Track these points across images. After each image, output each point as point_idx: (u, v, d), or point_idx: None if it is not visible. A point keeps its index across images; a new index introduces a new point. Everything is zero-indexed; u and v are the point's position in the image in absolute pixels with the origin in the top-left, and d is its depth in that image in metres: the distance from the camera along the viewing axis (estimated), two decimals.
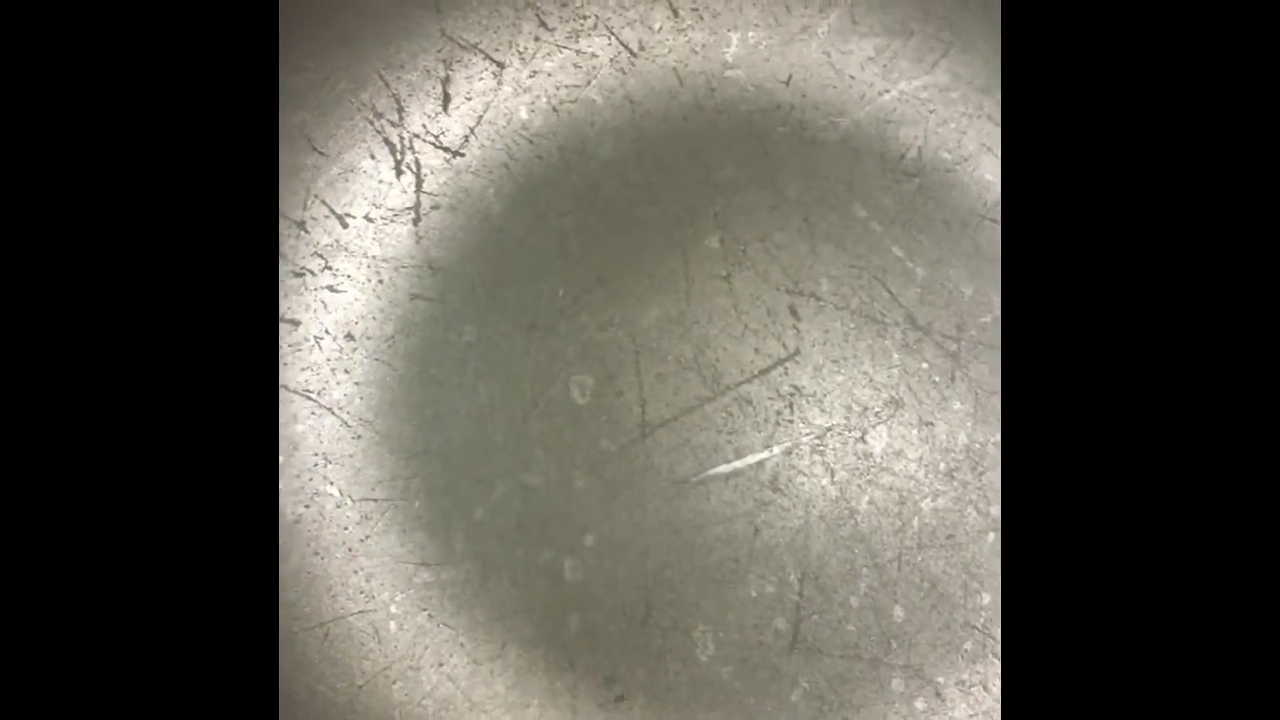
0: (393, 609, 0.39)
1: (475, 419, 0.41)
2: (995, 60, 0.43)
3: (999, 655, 0.39)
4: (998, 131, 0.43)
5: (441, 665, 0.39)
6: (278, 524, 0.39)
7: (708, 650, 0.39)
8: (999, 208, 0.42)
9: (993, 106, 0.43)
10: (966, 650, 0.39)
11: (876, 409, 0.41)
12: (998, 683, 0.39)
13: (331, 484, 0.40)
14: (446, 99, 0.43)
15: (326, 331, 0.41)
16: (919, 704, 0.39)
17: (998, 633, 0.39)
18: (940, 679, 0.39)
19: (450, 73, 0.43)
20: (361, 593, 0.40)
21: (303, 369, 0.41)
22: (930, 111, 0.43)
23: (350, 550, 0.40)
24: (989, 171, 0.43)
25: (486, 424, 0.41)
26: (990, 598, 0.39)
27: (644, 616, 0.39)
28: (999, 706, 0.39)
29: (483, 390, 0.41)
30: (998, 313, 0.41)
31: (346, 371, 0.41)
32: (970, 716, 0.39)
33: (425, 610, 0.40)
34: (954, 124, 0.43)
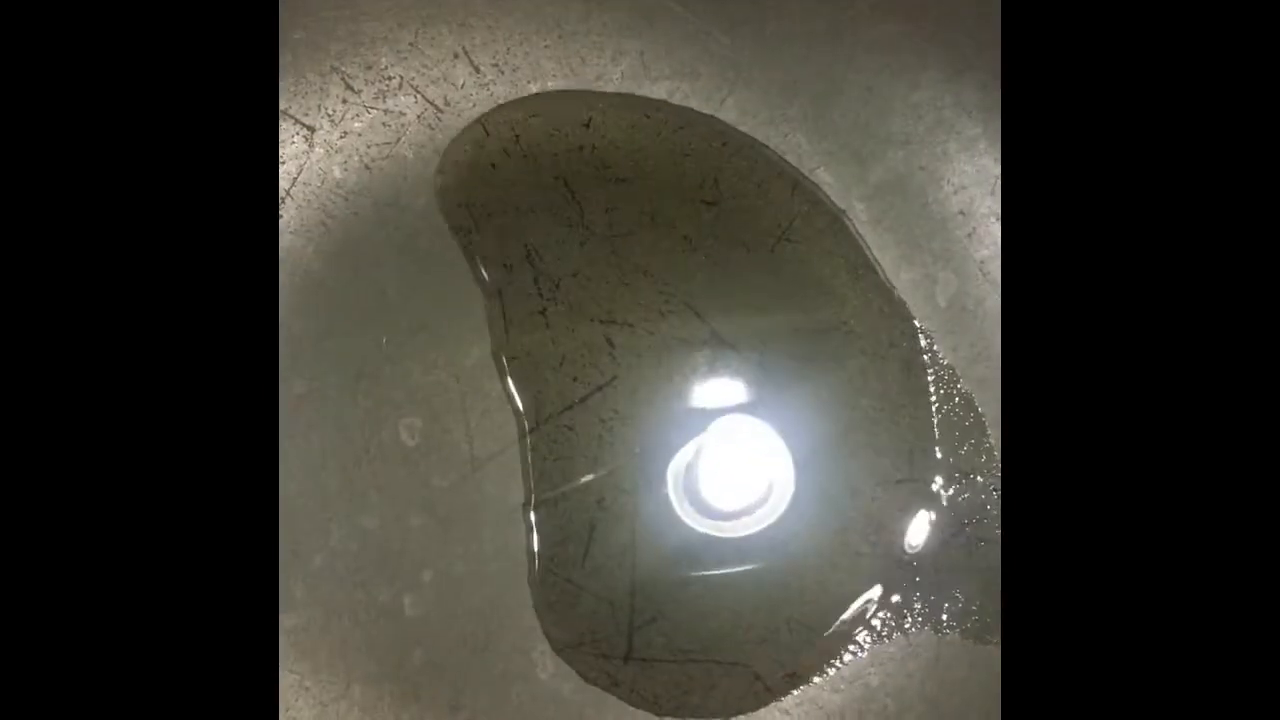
0: None
1: (309, 468, 0.42)
2: (775, 96, 0.46)
3: (814, 646, 0.42)
4: (784, 159, 0.46)
5: (288, 710, 0.40)
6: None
7: (547, 669, 0.41)
8: (792, 228, 0.45)
9: (778, 137, 0.46)
10: (787, 641, 0.42)
11: (691, 425, 0.43)
12: (819, 675, 0.42)
13: None
14: None
15: None
16: (750, 697, 0.41)
17: (816, 622, 0.42)
18: (764, 671, 0.41)
19: None
20: None
21: None
22: (722, 144, 0.46)
23: None
24: (779, 196, 0.46)
25: (320, 472, 0.42)
26: (810, 591, 0.42)
27: (484, 644, 0.41)
28: (818, 696, 0.42)
29: (315, 439, 0.43)
30: (803, 328, 0.44)
31: None
32: (790, 697, 0.41)
33: None
34: (744, 154, 0.46)
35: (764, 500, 0.43)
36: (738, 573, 0.42)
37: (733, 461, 0.43)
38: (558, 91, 0.46)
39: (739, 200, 0.46)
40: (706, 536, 0.42)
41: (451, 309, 0.44)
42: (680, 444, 0.43)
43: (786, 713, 0.41)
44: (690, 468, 0.43)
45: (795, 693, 0.41)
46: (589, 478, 0.43)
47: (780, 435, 0.44)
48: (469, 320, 0.44)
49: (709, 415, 0.43)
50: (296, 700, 0.40)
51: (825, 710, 0.41)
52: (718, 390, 0.44)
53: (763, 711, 0.41)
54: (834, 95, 0.46)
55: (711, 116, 0.46)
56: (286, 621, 0.41)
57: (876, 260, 0.45)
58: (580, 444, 0.43)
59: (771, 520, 0.43)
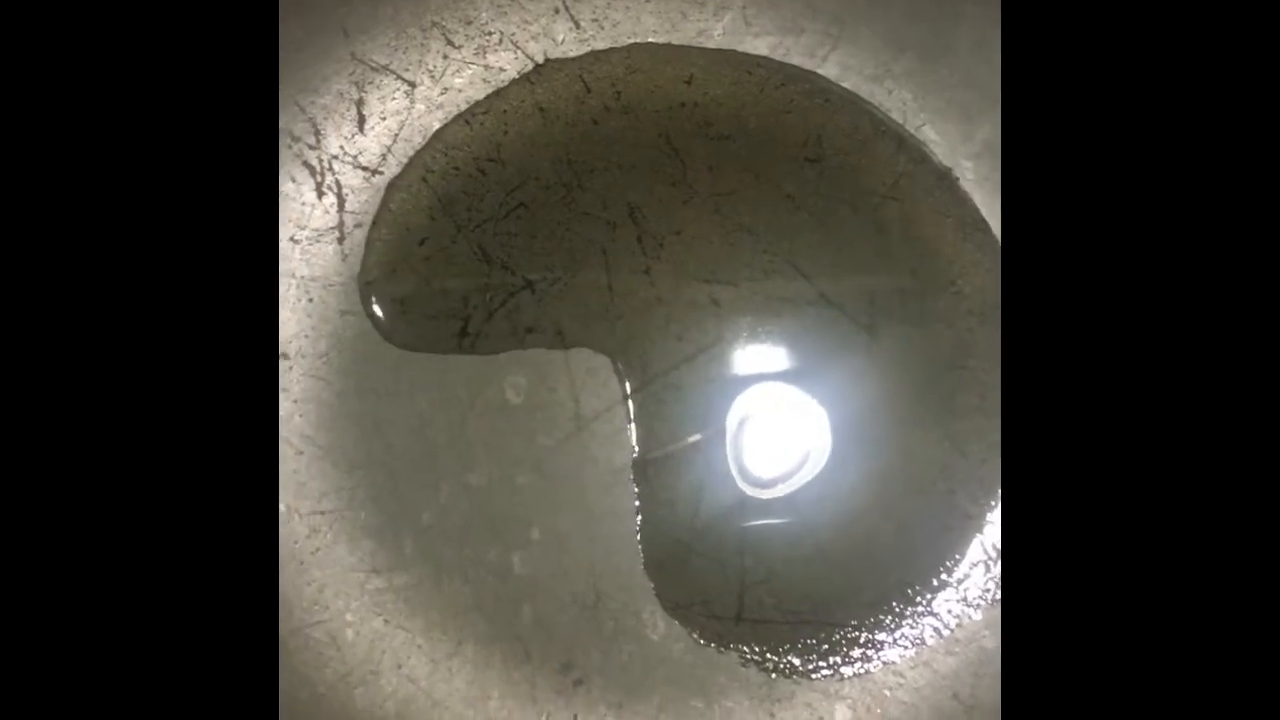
0: (348, 617, 0.40)
1: (414, 427, 0.42)
2: (880, 51, 0.46)
3: (930, 606, 0.41)
4: (888, 116, 0.45)
5: (400, 667, 0.40)
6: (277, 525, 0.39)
7: (658, 629, 0.41)
8: (897, 186, 0.45)
9: (882, 94, 0.45)
10: (900, 605, 0.41)
11: (797, 384, 0.43)
12: (932, 636, 0.41)
13: (279, 500, 0.41)
14: (362, 120, 0.44)
15: None
16: (862, 660, 0.41)
17: (929, 586, 0.41)
18: (881, 636, 0.41)
19: (364, 94, 0.44)
20: (316, 604, 0.40)
21: None
22: (824, 101, 0.46)
23: (301, 563, 0.41)
24: (884, 153, 0.45)
25: (426, 431, 0.42)
26: (922, 556, 0.41)
27: (594, 602, 0.41)
28: (933, 659, 0.41)
29: (420, 399, 0.42)
30: (910, 288, 0.44)
31: (284, 390, 0.42)
32: (903, 660, 0.41)
33: (380, 615, 0.40)
34: (847, 111, 0.45)
35: (868, 462, 0.42)
36: (848, 534, 0.42)
37: (836, 423, 0.43)
38: (659, 46, 0.46)
39: (843, 158, 0.45)
40: (814, 496, 0.42)
41: (554, 266, 0.43)
42: (785, 403, 0.42)
43: (900, 675, 0.41)
44: (798, 429, 0.42)
45: (909, 655, 0.41)
46: (696, 437, 0.42)
47: (887, 396, 0.43)
48: (572, 278, 0.43)
49: (816, 375, 0.43)
50: (409, 658, 0.40)
51: (939, 673, 0.41)
52: (824, 350, 0.43)
53: (876, 674, 0.41)
54: (942, 51, 0.45)
55: (814, 73, 0.46)
56: (396, 579, 0.40)
57: (984, 219, 0.44)
58: (687, 403, 0.42)
59: (880, 483, 0.42)
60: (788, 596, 0.41)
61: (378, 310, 0.43)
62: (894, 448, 0.43)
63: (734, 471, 0.42)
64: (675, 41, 0.46)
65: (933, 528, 0.42)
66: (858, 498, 0.42)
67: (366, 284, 0.43)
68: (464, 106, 0.45)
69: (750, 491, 0.42)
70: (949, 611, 0.41)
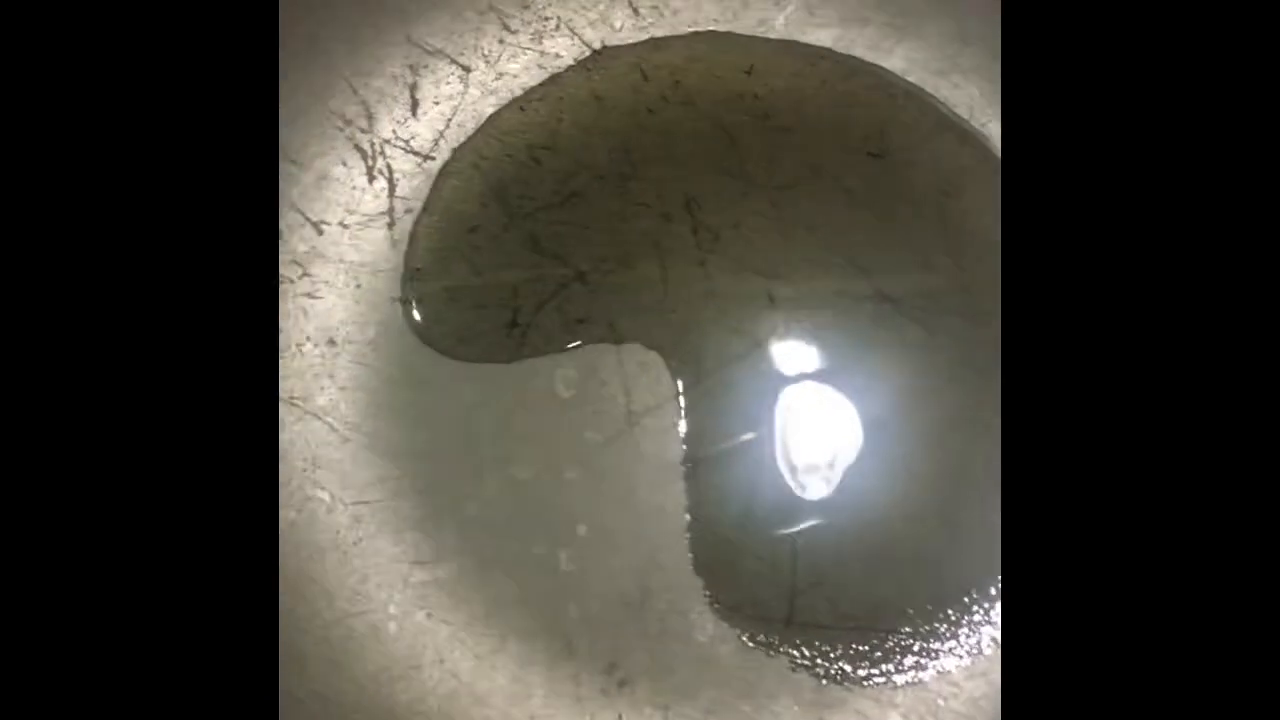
0: (391, 609, 0.39)
1: (461, 418, 0.41)
2: (946, 45, 0.44)
3: (988, 615, 0.40)
4: (954, 111, 0.44)
5: (443, 662, 0.39)
6: (277, 525, 0.39)
7: (706, 630, 0.39)
8: (961, 184, 0.43)
9: (948, 88, 0.44)
10: (956, 613, 0.40)
11: (853, 383, 0.41)
12: (990, 645, 0.40)
13: (322, 489, 0.40)
14: (415, 104, 0.44)
15: (308, 338, 0.41)
16: (916, 668, 0.40)
17: (986, 594, 0.40)
18: (936, 644, 0.40)
19: (417, 78, 0.44)
20: (358, 594, 0.39)
21: (286, 376, 0.41)
22: (888, 95, 0.44)
23: (344, 553, 0.40)
24: (948, 150, 0.44)
25: (473, 422, 0.41)
26: (979, 561, 0.40)
27: (641, 601, 0.40)
28: (989, 670, 0.40)
29: (466, 389, 0.41)
30: (970, 285, 0.42)
31: (330, 376, 0.41)
32: (959, 669, 0.40)
33: (423, 609, 0.40)
34: (911, 107, 0.44)
35: (924, 463, 0.41)
36: (902, 537, 0.40)
37: (891, 423, 0.41)
38: (719, 36, 0.45)
39: (905, 153, 0.44)
40: (868, 498, 0.41)
41: (607, 257, 0.42)
42: (839, 402, 0.41)
43: (955, 685, 0.39)
44: (855, 428, 0.41)
45: (965, 664, 0.40)
46: (749, 435, 0.41)
47: (943, 396, 0.42)
48: (625, 270, 0.42)
49: (871, 374, 0.42)
50: (453, 652, 0.39)
51: (996, 684, 0.39)
52: (880, 348, 0.42)
53: (930, 683, 0.39)
54: None
55: (878, 66, 0.45)
56: (440, 572, 0.40)
57: None
58: (740, 400, 0.41)
59: (938, 486, 0.41)
60: (840, 600, 0.40)
61: (426, 298, 0.42)
62: (950, 449, 0.41)
63: (786, 471, 0.41)
64: (736, 31, 0.45)
65: (990, 533, 0.41)
66: (913, 500, 0.41)
67: (415, 271, 0.42)
68: (519, 93, 0.44)
69: (803, 492, 0.41)
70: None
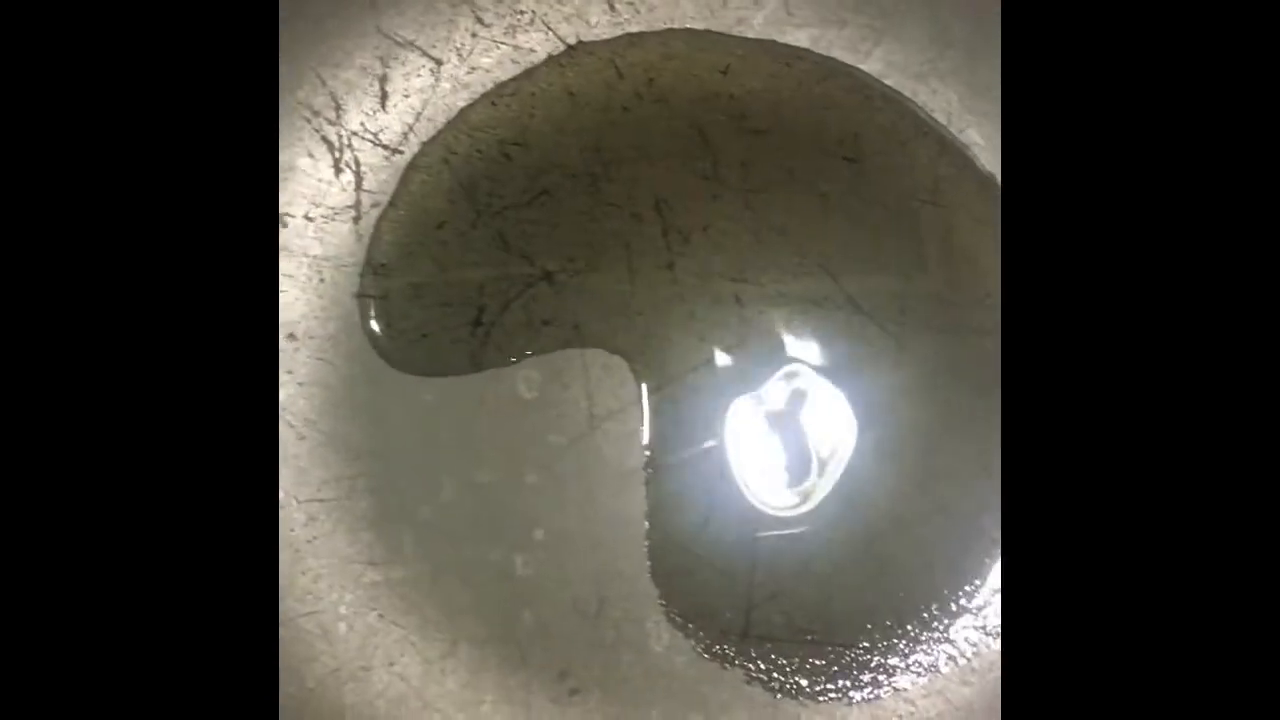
0: (342, 609, 0.39)
1: (421, 418, 0.40)
2: (926, 48, 0.44)
3: (946, 633, 0.39)
4: (932, 116, 0.43)
5: (393, 665, 0.39)
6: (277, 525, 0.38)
7: (661, 640, 0.39)
8: (939, 191, 0.43)
9: (926, 94, 0.43)
10: (915, 629, 0.39)
11: (822, 394, 0.41)
12: (947, 664, 0.39)
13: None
14: (384, 96, 0.43)
15: None
16: (872, 685, 0.39)
17: (947, 611, 0.40)
18: (893, 661, 0.39)
19: (387, 70, 0.43)
20: (309, 594, 0.39)
21: None
22: (865, 99, 0.44)
23: (297, 551, 0.39)
24: (925, 155, 0.43)
25: (433, 422, 0.40)
26: (940, 578, 0.40)
27: (596, 610, 0.39)
28: (946, 688, 0.39)
29: (428, 389, 0.41)
30: (943, 295, 0.42)
31: (289, 372, 0.41)
32: (915, 687, 0.39)
33: (375, 610, 0.39)
34: (889, 110, 0.43)
35: (889, 477, 0.41)
36: (862, 552, 0.40)
37: (858, 434, 0.41)
38: (696, 33, 0.44)
39: (882, 158, 0.43)
40: (831, 510, 0.40)
41: (574, 257, 0.42)
42: (807, 411, 0.41)
43: (911, 703, 0.39)
44: (819, 437, 0.41)
45: (921, 682, 0.39)
46: (711, 443, 0.40)
47: (912, 408, 0.41)
48: (592, 271, 0.42)
49: (840, 383, 0.41)
50: (402, 656, 0.39)
51: (953, 703, 0.39)
52: (850, 357, 0.41)
53: (886, 700, 0.39)
54: (990, 50, 0.43)
55: (856, 68, 0.44)
56: (393, 573, 0.39)
57: None
58: (704, 407, 0.41)
59: (901, 500, 0.40)
60: (798, 614, 0.39)
61: (390, 294, 0.41)
62: (916, 462, 0.41)
63: (748, 481, 0.40)
64: (713, 29, 0.44)
65: (953, 549, 0.40)
66: (875, 514, 0.40)
67: (380, 266, 0.42)
68: (490, 87, 0.43)
69: (764, 502, 0.40)
70: (966, 639, 0.40)
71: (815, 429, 0.41)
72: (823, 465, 0.40)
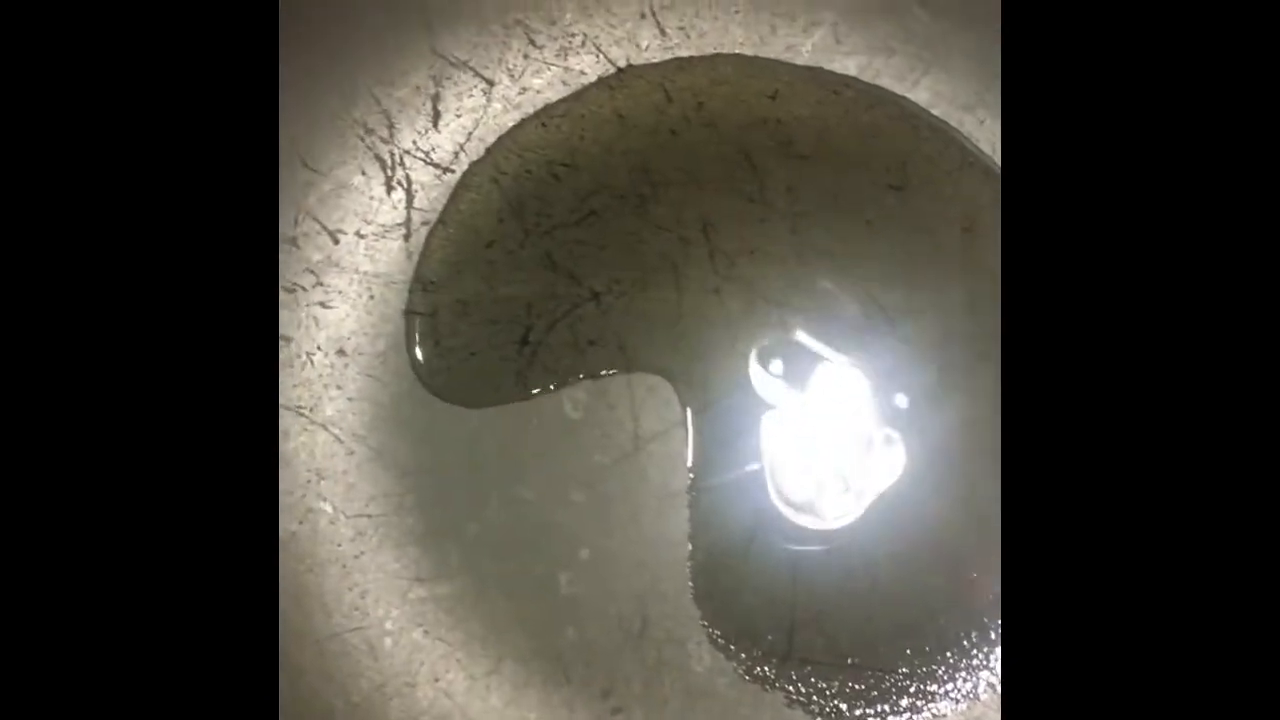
0: (388, 625, 0.39)
1: (468, 435, 0.41)
2: (974, 79, 0.44)
3: (986, 660, 0.40)
4: (978, 147, 0.44)
5: (438, 681, 0.39)
6: (277, 537, 0.39)
7: (703, 662, 0.39)
8: (980, 220, 0.43)
9: (973, 124, 0.44)
10: (955, 656, 0.40)
11: (869, 419, 0.41)
12: (986, 691, 0.40)
13: (324, 500, 0.40)
14: (437, 115, 0.43)
15: (318, 347, 0.41)
16: (911, 710, 0.39)
17: (987, 638, 0.40)
18: (933, 687, 0.39)
19: (440, 89, 0.43)
20: (356, 609, 0.39)
21: (294, 385, 0.41)
22: (912, 128, 0.44)
23: (344, 567, 0.40)
24: (970, 186, 0.43)
25: (479, 439, 0.41)
26: (982, 603, 0.40)
27: (639, 629, 0.39)
28: (985, 715, 0.40)
29: (475, 405, 0.41)
30: (986, 324, 0.42)
31: (339, 387, 0.41)
32: (955, 713, 0.39)
33: (421, 626, 0.39)
34: (936, 140, 0.44)
35: (931, 501, 0.41)
36: (905, 576, 0.40)
37: (900, 458, 0.41)
38: (745, 59, 0.44)
39: (927, 187, 0.44)
40: (873, 534, 0.40)
41: (622, 278, 0.42)
42: (849, 436, 0.41)
43: None
44: (863, 465, 0.41)
45: (961, 709, 0.39)
46: (755, 465, 0.41)
47: (953, 433, 0.41)
48: (639, 292, 0.42)
49: (882, 408, 0.41)
50: (447, 672, 0.39)
51: None
52: (892, 383, 0.42)
53: None
54: None
55: (903, 97, 0.44)
56: (439, 589, 0.40)
57: None
58: (748, 429, 0.41)
59: (943, 523, 0.41)
60: (839, 637, 0.40)
61: (440, 311, 0.42)
62: (958, 486, 0.41)
63: (792, 503, 0.40)
64: (762, 55, 0.44)
65: (993, 575, 0.40)
66: (918, 538, 0.40)
67: (429, 283, 0.42)
68: (541, 108, 0.44)
69: (807, 525, 0.40)
70: None
71: (858, 451, 0.41)
72: (865, 487, 0.41)
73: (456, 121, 0.43)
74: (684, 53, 0.44)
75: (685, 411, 0.41)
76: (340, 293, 0.42)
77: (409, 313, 0.42)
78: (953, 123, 0.44)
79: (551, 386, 0.41)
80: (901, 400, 0.42)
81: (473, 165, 0.43)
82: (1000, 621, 0.40)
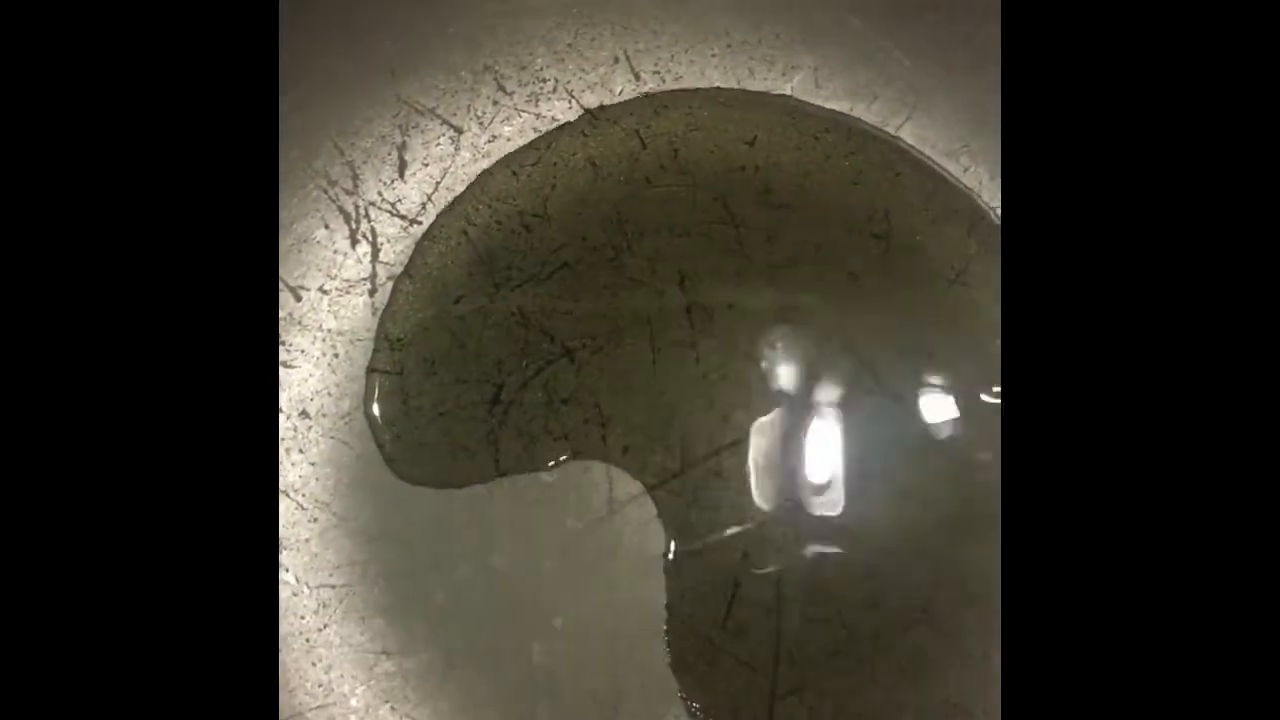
0: (353, 702, 0.38)
1: (436, 500, 0.39)
2: (958, 124, 0.43)
3: None
4: (962, 194, 0.42)
5: None
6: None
7: None
8: (968, 271, 0.42)
9: (958, 170, 0.43)
10: None
11: (851, 480, 0.40)
12: None
13: (287, 570, 0.39)
14: (403, 165, 0.42)
15: (280, 409, 0.40)
16: None
17: (978, 710, 0.39)
18: None
19: (406, 138, 0.42)
20: (320, 686, 0.38)
21: None
22: (896, 174, 0.43)
23: (308, 641, 0.38)
24: (955, 233, 0.42)
25: (448, 504, 0.39)
26: (971, 674, 0.39)
27: (615, 702, 0.38)
28: None
29: (445, 467, 0.40)
30: (968, 378, 0.41)
31: (301, 451, 0.39)
32: None
33: (388, 702, 0.38)
34: (919, 186, 0.43)
35: (917, 571, 0.40)
36: (891, 645, 0.39)
37: (887, 526, 0.40)
38: (722, 105, 0.43)
39: (911, 237, 0.42)
40: (858, 601, 0.39)
41: (595, 334, 0.41)
42: (833, 500, 0.40)
43: None
44: (845, 529, 0.40)
45: None
46: (735, 530, 0.39)
47: (941, 502, 0.40)
48: (614, 348, 0.40)
49: (868, 472, 0.40)
50: None
51: None
52: (878, 444, 0.40)
53: None
54: None
55: (886, 143, 0.43)
56: (406, 663, 0.38)
57: None
58: (728, 492, 0.40)
59: (928, 592, 0.39)
60: (822, 709, 0.38)
61: (406, 370, 0.40)
62: (946, 554, 0.40)
63: (772, 569, 0.39)
64: (740, 100, 0.43)
65: (981, 642, 0.39)
66: (905, 606, 0.39)
67: (395, 341, 0.40)
68: (512, 156, 0.42)
69: (788, 591, 0.39)
70: None
71: (840, 515, 0.40)
72: (850, 555, 0.39)
73: (424, 171, 0.42)
74: (659, 98, 0.43)
75: (662, 473, 0.40)
76: (303, 351, 0.40)
77: (373, 371, 0.40)
78: (936, 169, 0.43)
79: (523, 447, 0.40)
80: (888, 458, 0.40)
81: (440, 216, 0.42)
82: (991, 699, 0.39)
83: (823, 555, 0.39)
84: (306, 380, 0.40)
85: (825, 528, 0.39)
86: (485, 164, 0.42)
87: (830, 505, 0.40)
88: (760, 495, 0.40)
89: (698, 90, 0.43)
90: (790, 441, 0.40)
